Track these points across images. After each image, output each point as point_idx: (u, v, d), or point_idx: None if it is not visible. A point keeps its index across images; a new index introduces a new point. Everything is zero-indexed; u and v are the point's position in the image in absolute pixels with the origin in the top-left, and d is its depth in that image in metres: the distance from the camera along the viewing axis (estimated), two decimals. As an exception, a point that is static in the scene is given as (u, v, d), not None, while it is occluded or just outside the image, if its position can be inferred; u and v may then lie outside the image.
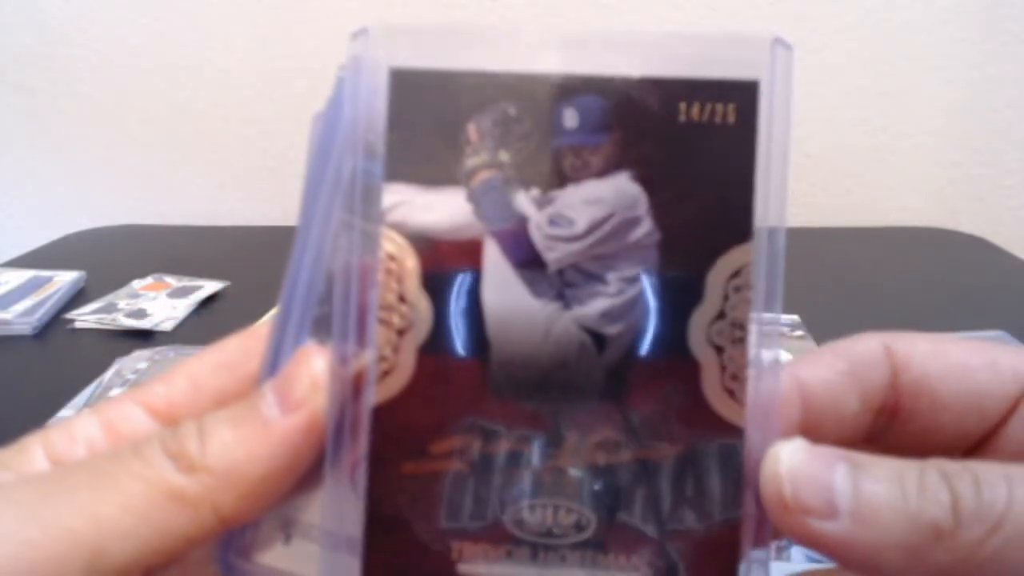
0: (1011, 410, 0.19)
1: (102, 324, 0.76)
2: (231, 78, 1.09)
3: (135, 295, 0.83)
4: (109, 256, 0.98)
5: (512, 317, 0.17)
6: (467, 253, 0.17)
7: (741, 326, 0.17)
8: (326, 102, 0.20)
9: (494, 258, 0.17)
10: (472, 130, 0.17)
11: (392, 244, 0.17)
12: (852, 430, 0.20)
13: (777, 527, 0.16)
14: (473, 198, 0.17)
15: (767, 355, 0.17)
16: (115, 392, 0.59)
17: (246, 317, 0.80)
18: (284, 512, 0.19)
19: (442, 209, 0.17)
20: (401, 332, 0.17)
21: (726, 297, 0.17)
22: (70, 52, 1.09)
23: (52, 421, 0.58)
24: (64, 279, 0.85)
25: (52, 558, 0.15)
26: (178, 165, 1.15)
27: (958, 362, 0.20)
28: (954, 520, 0.14)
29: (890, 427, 0.20)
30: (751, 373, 0.17)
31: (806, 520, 0.15)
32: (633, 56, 0.17)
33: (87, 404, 0.58)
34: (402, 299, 0.17)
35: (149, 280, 0.87)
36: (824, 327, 0.72)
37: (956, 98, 1.05)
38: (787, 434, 0.17)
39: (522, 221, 0.17)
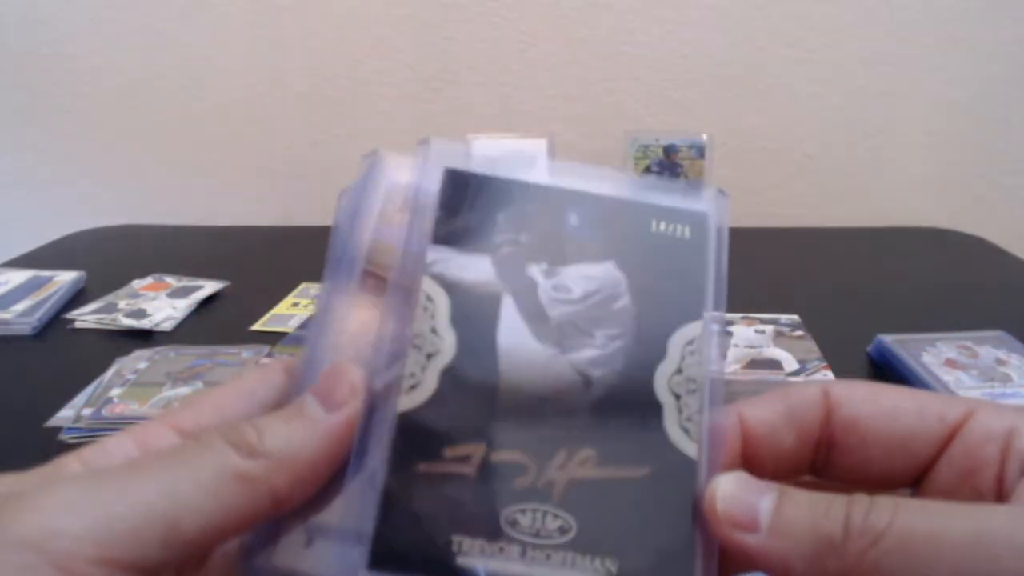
0: (939, 452, 0.22)
1: (102, 324, 0.76)
2: (231, 78, 1.10)
3: (135, 295, 0.83)
4: (109, 256, 0.98)
5: (520, 355, 0.22)
6: (489, 303, 0.23)
7: (694, 380, 0.22)
8: (357, 179, 0.24)
9: (509, 309, 0.23)
10: (501, 217, 0.24)
11: (431, 287, 0.22)
12: (791, 461, 0.23)
13: (715, 538, 0.20)
14: (497, 264, 0.23)
15: (715, 404, 0.22)
16: (115, 392, 0.59)
17: (246, 317, 0.80)
18: (307, 516, 0.21)
19: (473, 268, 0.23)
20: (429, 356, 0.22)
21: (683, 358, 0.23)
22: (70, 52, 1.09)
23: (52, 421, 0.58)
24: (64, 279, 0.85)
25: (134, 529, 0.17)
26: (178, 165, 1.15)
27: (888, 406, 0.22)
28: (843, 533, 0.18)
29: (829, 460, 0.23)
30: (703, 417, 0.22)
31: (734, 532, 0.19)
32: (625, 184, 0.25)
33: (87, 404, 0.58)
34: (434, 331, 0.22)
35: (149, 280, 0.87)
36: (824, 327, 0.72)
37: (956, 98, 1.05)
38: (731, 464, 0.22)
39: (533, 285, 0.23)
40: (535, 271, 0.23)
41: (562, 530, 0.20)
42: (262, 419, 0.20)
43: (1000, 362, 0.63)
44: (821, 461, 0.23)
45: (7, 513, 0.17)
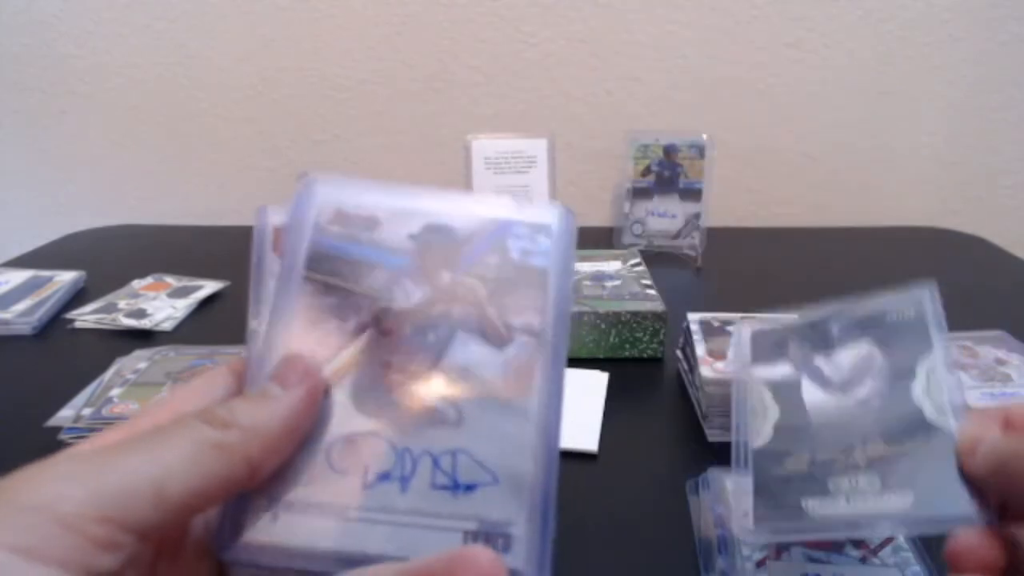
0: None
1: (102, 324, 0.76)
2: (231, 78, 1.10)
3: (135, 295, 0.83)
4: (109, 256, 0.98)
5: (816, 400, 0.38)
6: (794, 384, 0.40)
7: (938, 386, 0.34)
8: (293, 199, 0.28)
9: (806, 383, 0.39)
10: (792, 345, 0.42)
11: (761, 389, 0.41)
12: None
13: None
14: (794, 364, 0.41)
15: (954, 396, 0.33)
16: (115, 392, 0.58)
17: (246, 317, 0.80)
18: (271, 493, 0.23)
19: (779, 371, 0.41)
20: (765, 417, 0.39)
21: (927, 375, 0.35)
22: (70, 52, 1.09)
23: (52, 421, 0.58)
24: (64, 279, 0.85)
25: (127, 492, 0.19)
26: (178, 165, 1.15)
27: None
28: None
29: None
30: (947, 404, 0.33)
31: (969, 458, 0.29)
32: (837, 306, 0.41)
33: (87, 404, 0.58)
34: (763, 402, 0.39)
35: (149, 280, 0.87)
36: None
37: (956, 98, 1.05)
38: (982, 426, 0.30)
39: (818, 368, 0.39)
40: (819, 360, 0.38)
41: (870, 483, 0.32)
42: (231, 401, 0.23)
43: (1000, 362, 0.63)
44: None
45: (16, 484, 0.19)
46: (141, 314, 0.78)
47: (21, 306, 0.78)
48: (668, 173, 0.96)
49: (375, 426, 0.24)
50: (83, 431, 0.54)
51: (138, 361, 0.65)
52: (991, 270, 0.93)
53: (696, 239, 0.95)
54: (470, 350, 0.26)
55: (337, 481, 0.24)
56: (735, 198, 1.10)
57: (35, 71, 1.11)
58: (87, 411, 0.56)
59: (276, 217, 0.28)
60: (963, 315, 0.78)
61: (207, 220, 1.14)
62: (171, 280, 0.87)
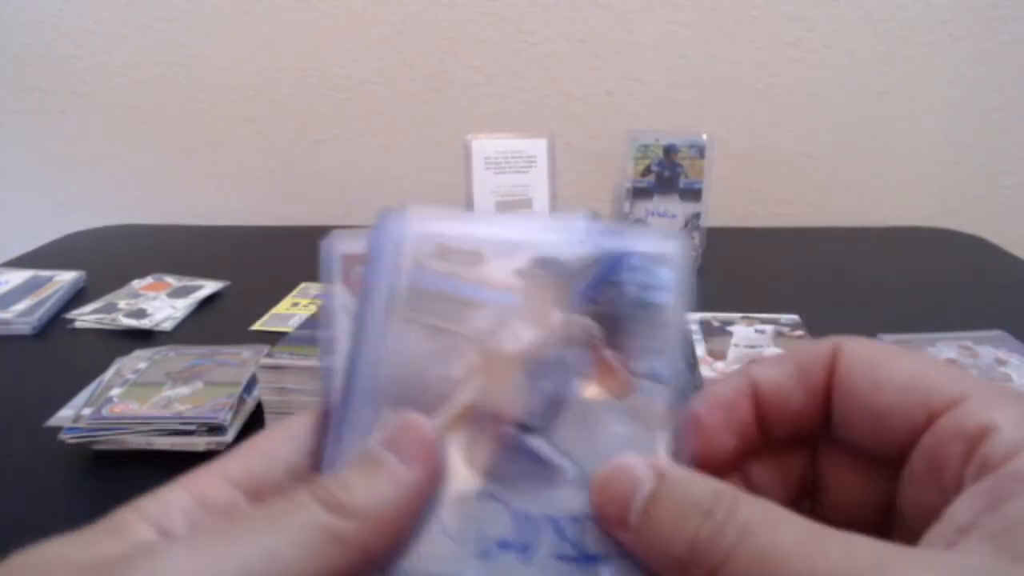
0: (914, 438, 0.20)
1: (102, 324, 0.76)
2: (231, 78, 1.10)
3: (135, 295, 0.83)
4: (109, 256, 0.98)
5: None
6: None
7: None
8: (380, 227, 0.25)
9: None
10: None
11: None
12: (801, 420, 0.23)
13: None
14: None
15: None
16: (115, 392, 0.58)
17: (246, 317, 0.80)
18: (381, 564, 0.21)
19: None
20: None
21: None
22: (70, 52, 1.09)
23: (52, 421, 0.58)
24: (64, 279, 0.85)
25: None
26: (178, 165, 1.15)
27: (882, 375, 0.21)
28: (689, 555, 0.18)
29: (836, 422, 0.22)
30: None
31: (612, 528, 0.20)
32: None
33: (87, 404, 0.58)
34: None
35: (149, 280, 0.87)
36: (824, 326, 0.72)
37: (956, 98, 1.05)
38: (744, 422, 0.23)
39: None
40: None
41: None
42: (345, 474, 0.21)
43: (1000, 362, 0.63)
44: (825, 417, 0.23)
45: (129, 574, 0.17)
46: (141, 314, 0.78)
47: (21, 306, 0.78)
48: (668, 173, 0.96)
49: (489, 486, 0.22)
50: (83, 431, 0.54)
51: (138, 361, 0.65)
52: (991, 270, 0.93)
53: (696, 239, 0.95)
54: (588, 399, 0.23)
55: (453, 550, 0.21)
56: (735, 198, 1.10)
57: (35, 71, 1.11)
58: (87, 411, 0.56)
59: (346, 245, 0.25)
60: (963, 315, 0.78)
61: (207, 220, 1.14)
62: (171, 280, 0.87)
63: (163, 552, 0.18)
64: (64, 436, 0.53)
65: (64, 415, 0.59)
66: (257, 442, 0.23)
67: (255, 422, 0.57)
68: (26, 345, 0.74)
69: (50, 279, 0.85)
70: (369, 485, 0.20)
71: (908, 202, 1.11)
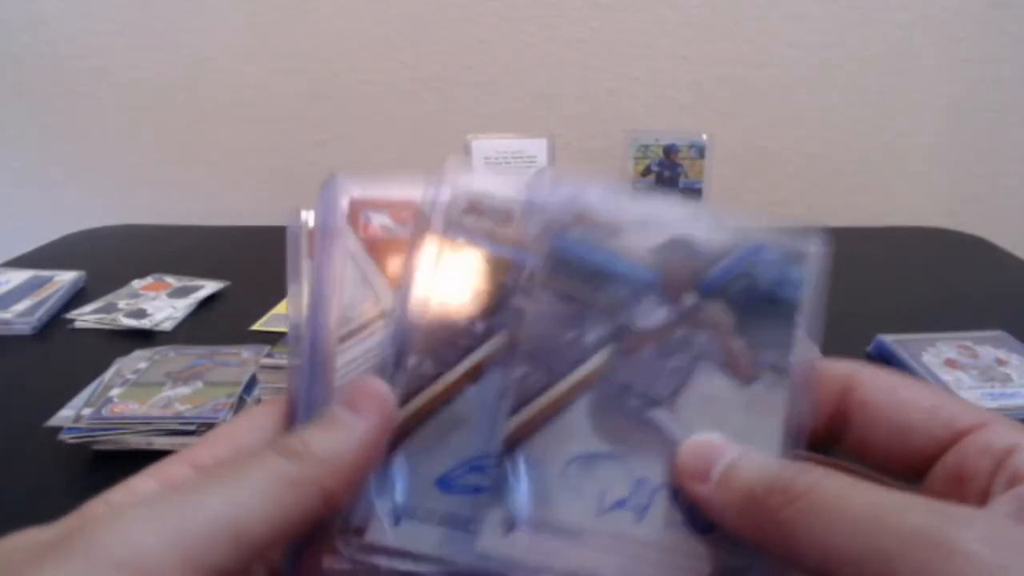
0: (938, 454, 0.22)
1: (102, 324, 0.76)
2: (231, 78, 1.10)
3: (135, 295, 0.83)
4: (109, 256, 0.98)
5: None
6: None
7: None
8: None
9: None
10: None
11: None
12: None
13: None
14: None
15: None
16: (115, 392, 0.58)
17: (246, 317, 0.80)
18: (392, 499, 0.23)
19: None
20: None
21: None
22: (70, 52, 1.09)
23: (52, 421, 0.58)
24: (64, 279, 0.85)
25: (208, 537, 0.19)
26: (178, 165, 1.15)
27: (905, 397, 0.23)
28: (767, 491, 0.20)
29: (841, 435, 0.24)
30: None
31: (690, 482, 0.22)
32: None
33: (87, 404, 0.58)
34: None
35: (149, 280, 0.87)
36: (824, 326, 0.72)
37: (956, 98, 1.05)
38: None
39: None
40: None
41: None
42: (303, 430, 0.22)
43: (1000, 362, 0.63)
44: (835, 434, 0.24)
45: (92, 535, 0.18)
46: (141, 314, 0.78)
47: (21, 306, 0.78)
48: (668, 173, 0.96)
49: (612, 449, 0.23)
50: (83, 431, 0.54)
51: (138, 361, 0.65)
52: (991, 270, 0.93)
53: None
54: (713, 383, 0.24)
55: (573, 501, 0.23)
56: (735, 198, 1.10)
57: (35, 71, 1.11)
58: (87, 411, 0.56)
59: (356, 188, 0.26)
60: (963, 315, 0.78)
61: (207, 220, 1.14)
62: (171, 280, 0.87)
63: (131, 510, 0.19)
64: (64, 436, 0.53)
65: (64, 415, 0.59)
66: (223, 430, 0.24)
67: (255, 422, 0.57)
68: (26, 345, 0.74)
69: (50, 279, 0.85)
70: (324, 436, 0.22)
71: (908, 202, 1.11)
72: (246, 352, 0.66)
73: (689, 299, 0.25)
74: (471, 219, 0.25)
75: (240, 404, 0.57)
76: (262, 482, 0.20)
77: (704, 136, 0.94)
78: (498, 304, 0.24)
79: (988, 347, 0.65)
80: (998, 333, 0.68)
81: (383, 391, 0.23)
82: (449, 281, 0.25)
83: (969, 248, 1.01)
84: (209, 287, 0.85)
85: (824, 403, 0.24)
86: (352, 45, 1.06)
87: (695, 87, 1.06)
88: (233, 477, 0.20)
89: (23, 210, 1.18)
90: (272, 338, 0.71)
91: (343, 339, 0.25)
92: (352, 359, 0.25)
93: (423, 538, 0.23)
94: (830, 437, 0.25)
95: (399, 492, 0.23)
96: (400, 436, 0.24)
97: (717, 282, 0.25)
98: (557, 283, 0.24)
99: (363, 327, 0.25)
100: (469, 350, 0.24)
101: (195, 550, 0.18)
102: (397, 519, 0.23)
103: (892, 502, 0.18)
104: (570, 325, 0.24)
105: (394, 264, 0.25)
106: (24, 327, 0.75)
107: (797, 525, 0.19)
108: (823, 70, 1.04)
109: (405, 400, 0.24)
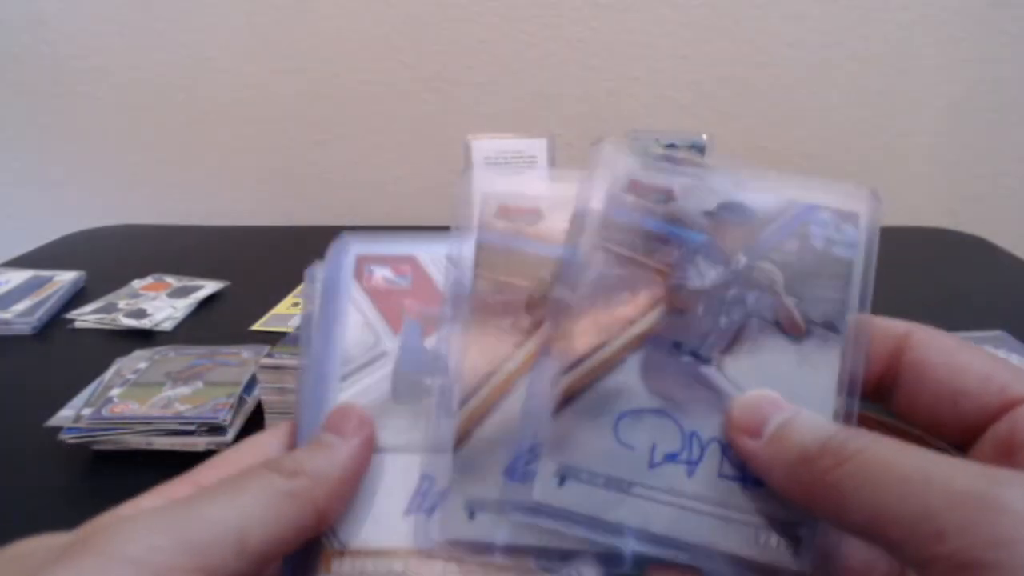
0: (989, 421, 0.22)
1: (102, 324, 0.76)
2: (231, 78, 1.10)
3: (135, 295, 0.83)
4: (109, 256, 0.98)
5: None
6: None
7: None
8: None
9: None
10: None
11: None
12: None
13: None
14: None
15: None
16: (115, 392, 0.58)
17: (246, 317, 0.80)
18: (471, 493, 0.24)
19: None
20: None
21: None
22: (70, 52, 1.09)
23: (52, 421, 0.58)
24: (64, 279, 0.85)
25: (214, 541, 0.20)
26: (178, 165, 1.15)
27: (959, 362, 0.23)
28: (819, 451, 0.20)
29: (891, 393, 0.24)
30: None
31: (740, 436, 0.23)
32: None
33: (87, 404, 0.58)
34: None
35: (149, 280, 0.87)
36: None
37: (956, 98, 1.05)
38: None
39: None
40: None
41: None
42: (293, 452, 0.24)
43: (1000, 362, 0.63)
44: (884, 393, 0.24)
45: (104, 535, 0.19)
46: (141, 314, 0.78)
47: (21, 306, 0.78)
48: (668, 173, 0.96)
49: (663, 405, 0.24)
50: (83, 431, 0.54)
51: (138, 361, 0.65)
52: (991, 270, 0.93)
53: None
54: (764, 340, 0.24)
55: (624, 454, 0.23)
56: (735, 198, 1.10)
57: (35, 71, 1.11)
58: (87, 411, 0.56)
59: (362, 246, 0.28)
60: (963, 315, 0.78)
61: (207, 220, 1.14)
62: (171, 280, 0.87)
63: (143, 516, 0.20)
64: (64, 436, 0.53)
65: (64, 415, 0.59)
66: (228, 454, 0.25)
67: (255, 422, 0.57)
68: (26, 345, 0.74)
69: (50, 279, 0.85)
70: (313, 456, 0.24)
71: (908, 202, 1.11)
72: (246, 352, 0.66)
73: (741, 260, 0.25)
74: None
75: (240, 404, 0.57)
76: (262, 494, 0.22)
77: (704, 136, 0.94)
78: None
79: (988, 347, 0.65)
80: (998, 333, 0.68)
81: (362, 415, 0.25)
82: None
83: (969, 248, 1.01)
84: (209, 287, 0.85)
85: (875, 361, 0.24)
86: (352, 45, 1.06)
87: (695, 87, 1.06)
88: (235, 490, 0.22)
89: (23, 210, 1.18)
90: (272, 338, 0.71)
91: (344, 377, 0.26)
92: (353, 394, 0.26)
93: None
94: (878, 396, 0.25)
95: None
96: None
97: (769, 243, 0.25)
98: (612, 247, 0.25)
99: (364, 365, 0.27)
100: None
101: (202, 553, 0.19)
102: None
103: (941, 465, 0.19)
104: (625, 285, 0.25)
105: (394, 310, 0.27)
106: (24, 327, 0.75)
107: (846, 486, 0.19)
108: (823, 70, 1.04)
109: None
